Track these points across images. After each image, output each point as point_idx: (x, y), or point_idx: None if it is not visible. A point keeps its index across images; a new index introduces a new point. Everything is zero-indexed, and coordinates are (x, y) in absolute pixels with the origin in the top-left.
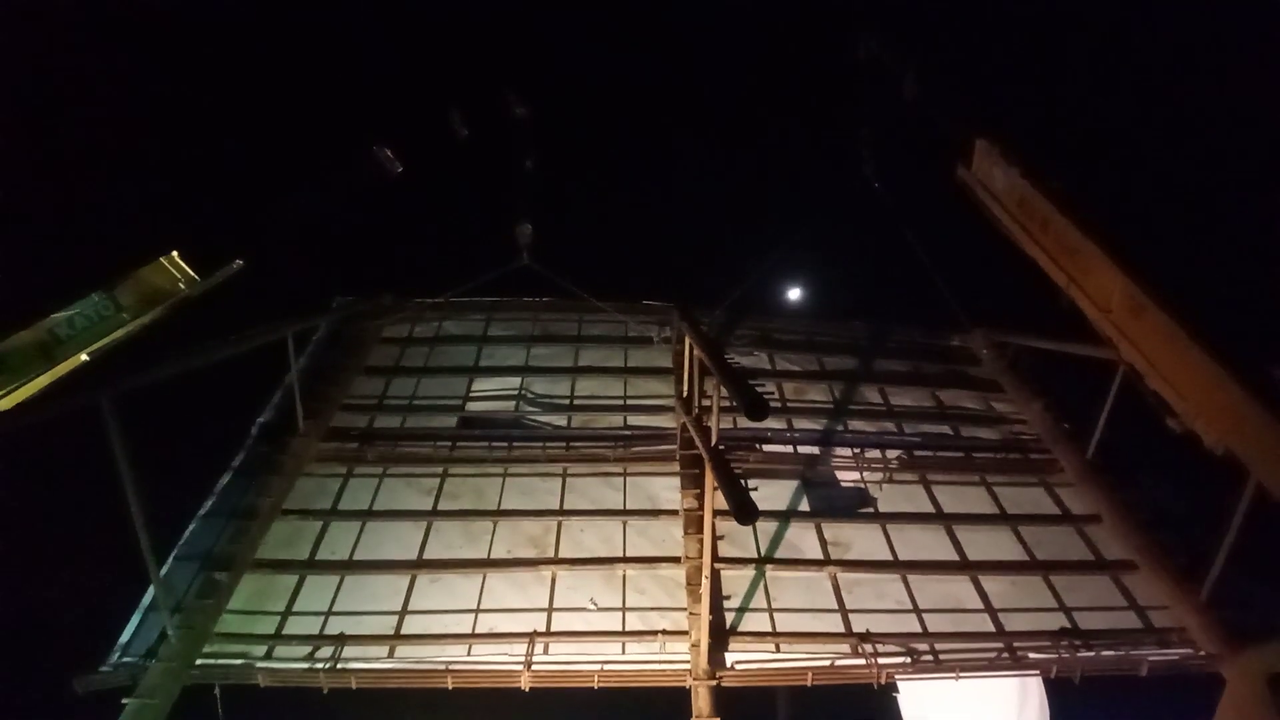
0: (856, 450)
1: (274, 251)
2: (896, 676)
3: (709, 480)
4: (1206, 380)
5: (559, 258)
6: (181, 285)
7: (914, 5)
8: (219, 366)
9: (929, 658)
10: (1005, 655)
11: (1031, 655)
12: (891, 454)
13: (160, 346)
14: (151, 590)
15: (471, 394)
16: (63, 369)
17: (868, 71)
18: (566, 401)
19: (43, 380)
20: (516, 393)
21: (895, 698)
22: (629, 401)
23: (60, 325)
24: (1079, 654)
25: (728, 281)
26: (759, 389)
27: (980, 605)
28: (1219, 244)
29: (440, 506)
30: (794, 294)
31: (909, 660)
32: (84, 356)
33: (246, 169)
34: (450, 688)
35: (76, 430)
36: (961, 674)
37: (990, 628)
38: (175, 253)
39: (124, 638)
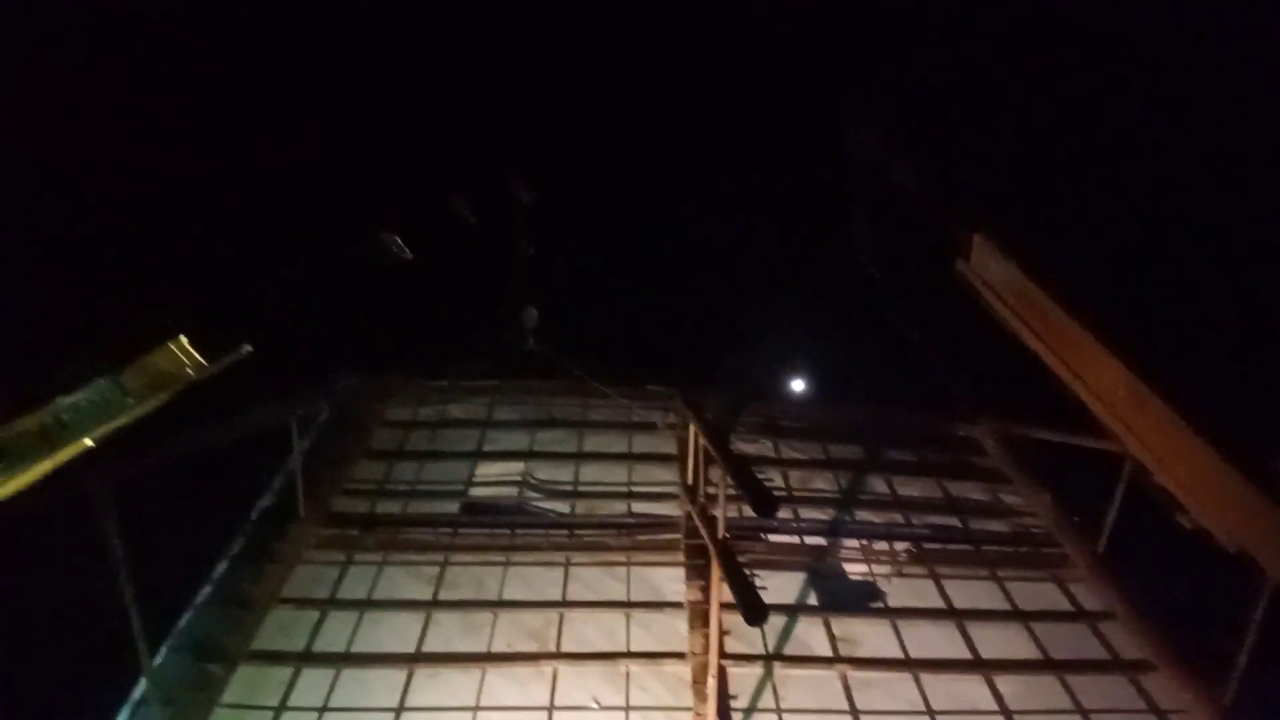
0: (864, 542)
1: (277, 333)
2: None
3: (715, 572)
4: (1215, 477)
5: (563, 342)
6: (189, 371)
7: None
8: (219, 450)
9: None
10: None
11: None
12: (899, 546)
13: (161, 430)
14: (143, 683)
15: (474, 479)
16: (64, 455)
17: (861, 161)
18: (570, 488)
19: (44, 467)
20: (520, 478)
21: None
22: (633, 488)
23: (65, 411)
24: None
25: (732, 366)
26: (765, 480)
27: (995, 707)
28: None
29: (440, 596)
30: (798, 380)
31: None
32: (88, 442)
33: (250, 252)
34: None
35: (69, 516)
36: None
37: None
38: (183, 337)
39: None
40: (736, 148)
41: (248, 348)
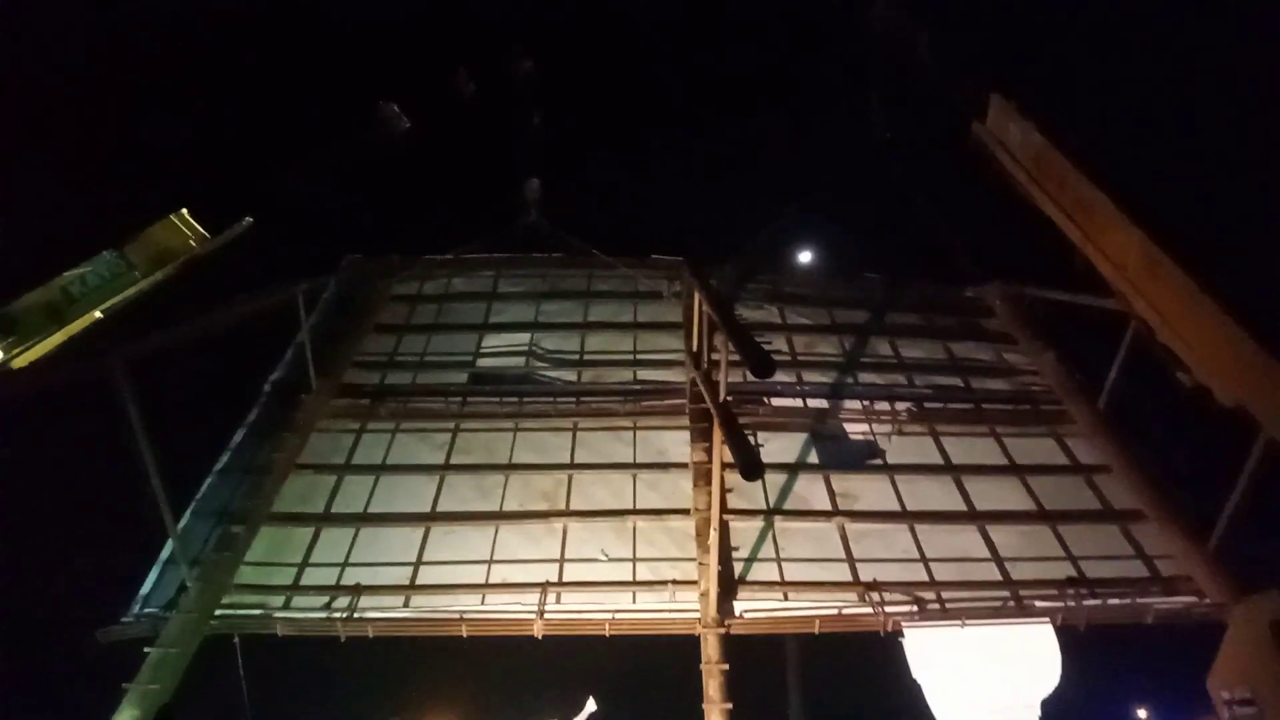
0: (866, 403)
1: (283, 212)
2: (903, 624)
3: (718, 434)
4: (1220, 336)
5: (568, 213)
6: (192, 243)
7: None
8: (231, 326)
9: (935, 606)
10: (1011, 603)
11: (1038, 603)
12: (901, 406)
13: (173, 306)
14: (170, 544)
15: (482, 350)
16: (75, 327)
17: (881, 29)
18: (576, 357)
19: (56, 339)
20: (526, 349)
21: (901, 643)
22: (639, 356)
23: (73, 284)
24: (1085, 602)
25: (740, 236)
26: (767, 345)
27: (987, 555)
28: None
29: (452, 461)
30: (806, 249)
31: (915, 608)
32: (97, 314)
33: (254, 131)
34: (465, 636)
35: (92, 389)
36: (967, 622)
37: (997, 577)
38: (185, 210)
39: (144, 589)
40: (747, 23)
41: (249, 220)
